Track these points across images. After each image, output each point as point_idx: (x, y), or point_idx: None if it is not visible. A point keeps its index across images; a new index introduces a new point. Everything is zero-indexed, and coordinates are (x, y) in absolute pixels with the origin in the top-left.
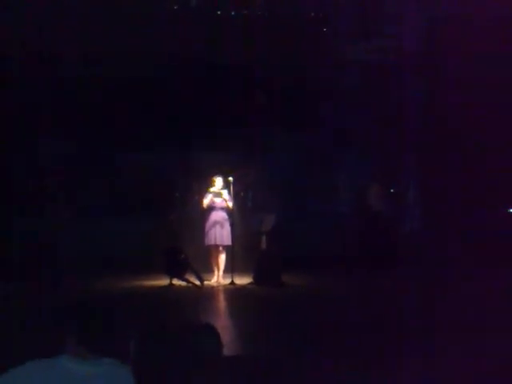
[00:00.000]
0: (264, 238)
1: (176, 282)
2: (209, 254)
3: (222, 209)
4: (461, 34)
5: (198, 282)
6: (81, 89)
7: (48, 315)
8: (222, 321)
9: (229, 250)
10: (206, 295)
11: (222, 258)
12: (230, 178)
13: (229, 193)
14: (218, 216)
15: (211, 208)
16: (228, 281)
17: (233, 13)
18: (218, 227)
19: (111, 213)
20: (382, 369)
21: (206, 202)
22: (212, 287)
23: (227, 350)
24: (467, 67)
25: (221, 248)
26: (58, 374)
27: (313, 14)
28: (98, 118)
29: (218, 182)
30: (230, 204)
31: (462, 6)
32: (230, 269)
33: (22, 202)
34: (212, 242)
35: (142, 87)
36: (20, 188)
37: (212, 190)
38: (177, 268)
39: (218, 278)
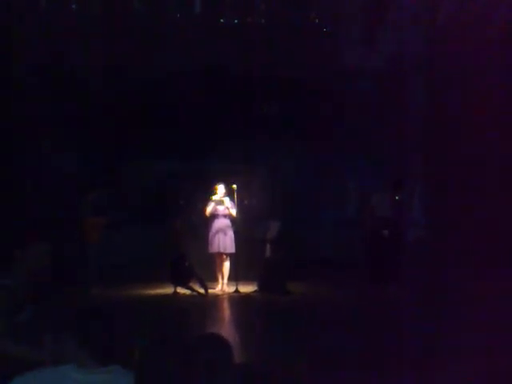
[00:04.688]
0: (269, 246)
1: (180, 290)
2: (213, 262)
3: (225, 216)
4: (463, 38)
5: (202, 291)
6: (87, 98)
7: (54, 325)
8: (227, 329)
9: (233, 257)
10: (211, 304)
11: (226, 265)
12: (234, 186)
13: (232, 200)
14: (221, 224)
15: (214, 216)
16: (232, 289)
17: (236, 21)
18: (221, 235)
19: (115, 221)
20: (388, 378)
21: (208, 210)
22: (216, 295)
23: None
24: (470, 71)
25: (224, 256)
26: (63, 383)
27: (317, 21)
28: (102, 128)
29: (220, 189)
30: (233, 211)
31: (464, 11)
32: (235, 277)
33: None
34: (215, 250)
35: (144, 96)
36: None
37: (214, 198)
38: (181, 276)
39: (223, 286)
